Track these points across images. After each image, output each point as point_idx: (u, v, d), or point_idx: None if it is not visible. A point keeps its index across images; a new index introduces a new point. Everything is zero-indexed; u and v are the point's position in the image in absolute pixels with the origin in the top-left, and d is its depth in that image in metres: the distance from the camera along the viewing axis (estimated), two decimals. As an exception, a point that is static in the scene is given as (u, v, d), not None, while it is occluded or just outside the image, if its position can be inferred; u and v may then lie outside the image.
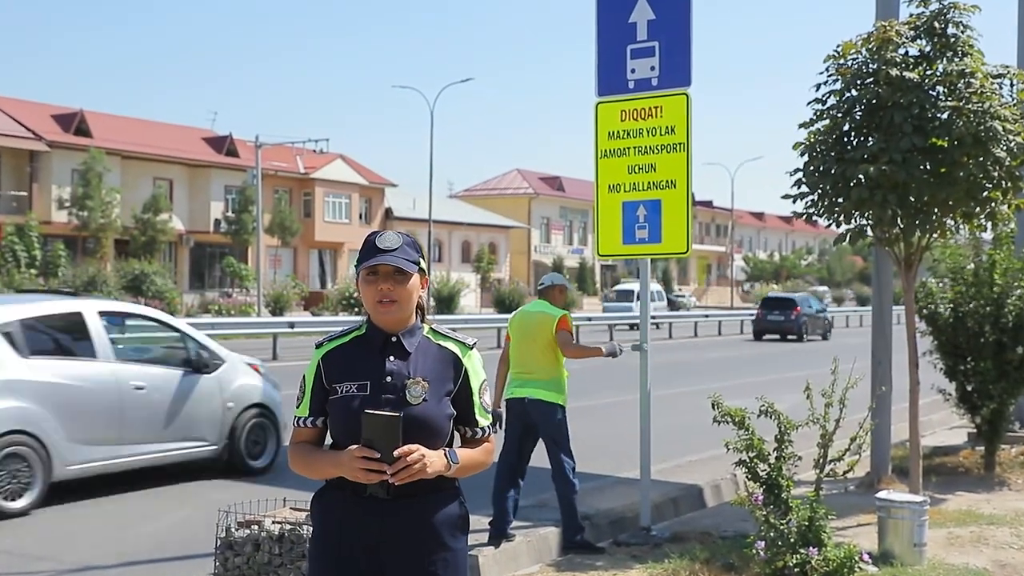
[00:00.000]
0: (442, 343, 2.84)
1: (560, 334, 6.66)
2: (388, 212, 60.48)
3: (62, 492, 8.36)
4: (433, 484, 2.70)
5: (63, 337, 8.40)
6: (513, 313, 7.10)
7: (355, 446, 2.62)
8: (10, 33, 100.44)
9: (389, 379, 2.72)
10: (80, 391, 8.01)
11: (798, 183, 7.63)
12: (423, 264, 2.82)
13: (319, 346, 2.84)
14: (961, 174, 7.08)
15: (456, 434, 2.84)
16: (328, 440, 2.83)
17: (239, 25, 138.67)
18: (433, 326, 2.88)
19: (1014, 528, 7.44)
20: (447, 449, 2.72)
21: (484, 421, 2.86)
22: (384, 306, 2.75)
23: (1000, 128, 6.95)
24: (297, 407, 2.84)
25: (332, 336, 2.85)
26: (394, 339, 2.78)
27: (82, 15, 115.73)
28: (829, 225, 7.82)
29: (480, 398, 2.84)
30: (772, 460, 5.74)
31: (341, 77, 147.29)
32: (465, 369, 2.82)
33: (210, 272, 51.78)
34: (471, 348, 2.87)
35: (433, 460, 2.64)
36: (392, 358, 2.75)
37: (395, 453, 2.58)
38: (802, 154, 7.59)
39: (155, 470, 8.87)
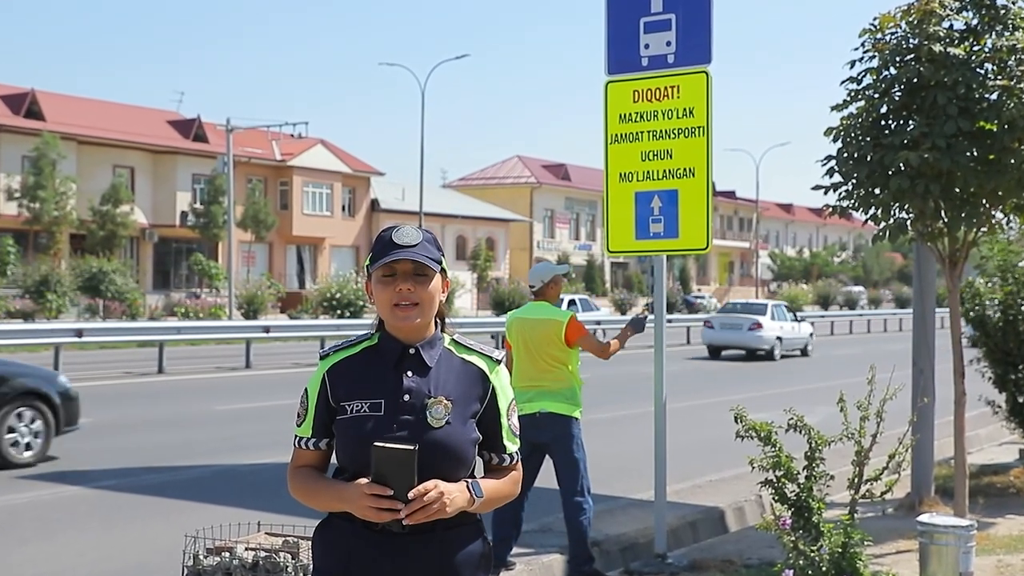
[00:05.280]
0: (466, 357, 2.76)
1: (583, 341, 6.61)
2: (374, 204, 60.53)
3: (15, 517, 8.36)
4: (453, 518, 2.63)
5: None
6: (510, 315, 6.99)
7: (364, 480, 2.55)
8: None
9: (407, 398, 2.64)
10: None
11: (830, 172, 7.63)
12: (445, 264, 2.76)
13: (324, 357, 2.77)
14: (1012, 161, 7.08)
15: (479, 461, 2.77)
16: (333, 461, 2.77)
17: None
18: (455, 337, 2.80)
19: (1071, 555, 7.44)
20: (470, 481, 2.65)
21: (512, 446, 2.79)
22: (403, 310, 2.66)
23: (1056, 110, 6.94)
24: (298, 425, 2.77)
25: (339, 346, 2.78)
26: (412, 351, 2.69)
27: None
28: (866, 222, 7.82)
29: (508, 420, 2.78)
30: (802, 480, 5.74)
31: (322, 53, 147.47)
32: (492, 387, 2.74)
33: (176, 270, 51.82)
34: (499, 363, 2.78)
35: (454, 497, 2.57)
36: (410, 373, 2.67)
37: (410, 495, 2.51)
38: (835, 140, 7.59)
39: (120, 491, 8.81)
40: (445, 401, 2.65)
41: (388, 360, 2.70)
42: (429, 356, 2.71)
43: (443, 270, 2.74)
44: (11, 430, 10.37)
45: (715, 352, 29.40)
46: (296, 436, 2.78)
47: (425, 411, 2.64)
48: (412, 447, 2.52)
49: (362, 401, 2.66)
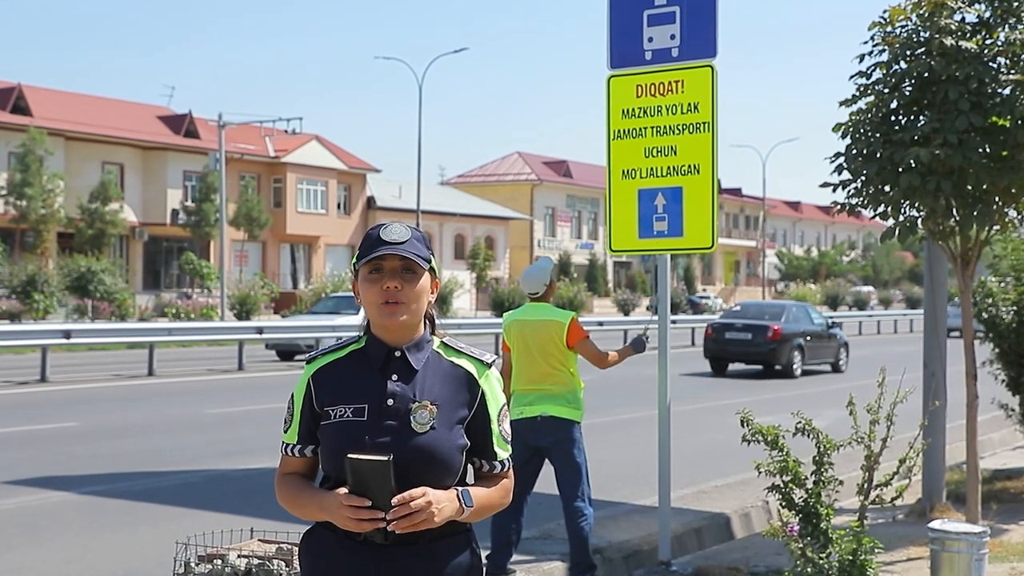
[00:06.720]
0: (455, 360, 2.75)
1: (582, 346, 6.56)
2: (370, 201, 60.57)
3: (1, 524, 8.37)
4: (440, 528, 2.62)
5: None
6: (507, 316, 6.93)
7: (343, 490, 2.56)
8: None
9: (391, 402, 2.64)
10: None
11: (839, 169, 7.64)
12: (434, 263, 2.75)
13: (310, 361, 2.77)
14: (1025, 158, 7.09)
15: (470, 468, 2.76)
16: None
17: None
18: (445, 340, 2.79)
19: (1086, 563, 7.44)
20: (460, 489, 2.64)
21: (503, 453, 2.77)
22: (390, 308, 2.65)
23: (1070, 105, 6.94)
24: (284, 432, 2.78)
25: (325, 350, 2.78)
26: (398, 354, 2.69)
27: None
28: (874, 217, 7.83)
29: (499, 426, 2.76)
30: (810, 485, 5.74)
31: (316, 47, 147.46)
32: (482, 391, 2.73)
33: (167, 270, 51.84)
34: (489, 367, 2.77)
35: (443, 505, 2.55)
36: (395, 377, 2.67)
37: (393, 501, 2.50)
38: (843, 135, 7.60)
39: (109, 496, 8.80)
40: (430, 406, 2.65)
41: (373, 363, 2.70)
42: (416, 359, 2.70)
43: (432, 269, 2.73)
44: None
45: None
46: (283, 443, 2.79)
47: (409, 416, 2.63)
48: (386, 457, 2.50)
49: (346, 406, 2.66)
